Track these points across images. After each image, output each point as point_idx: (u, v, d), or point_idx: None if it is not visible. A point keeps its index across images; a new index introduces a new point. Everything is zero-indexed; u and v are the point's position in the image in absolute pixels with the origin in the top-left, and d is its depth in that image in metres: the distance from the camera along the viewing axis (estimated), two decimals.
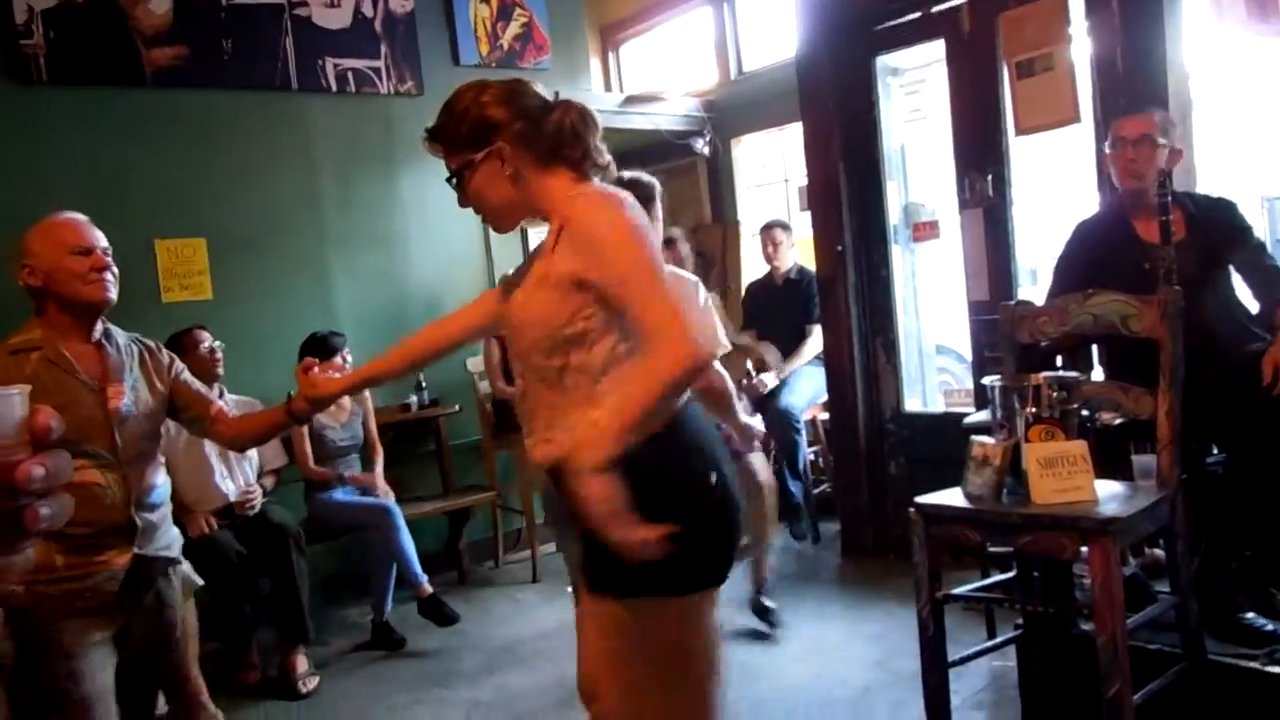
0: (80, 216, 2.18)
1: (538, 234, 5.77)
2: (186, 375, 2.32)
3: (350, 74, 4.82)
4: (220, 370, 3.77)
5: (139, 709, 2.25)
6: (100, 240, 2.15)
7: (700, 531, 1.53)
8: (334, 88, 4.78)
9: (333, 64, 4.74)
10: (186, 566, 3.45)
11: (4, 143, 3.98)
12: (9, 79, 4.00)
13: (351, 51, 4.82)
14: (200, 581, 3.45)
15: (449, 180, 1.69)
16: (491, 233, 5.62)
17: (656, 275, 1.49)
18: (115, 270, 2.16)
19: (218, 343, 3.81)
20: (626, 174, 3.03)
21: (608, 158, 1.71)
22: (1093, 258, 2.69)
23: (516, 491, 4.90)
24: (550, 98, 1.72)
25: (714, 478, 1.56)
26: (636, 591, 1.53)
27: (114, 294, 2.14)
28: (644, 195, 2.79)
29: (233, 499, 3.75)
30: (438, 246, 5.02)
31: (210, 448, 3.74)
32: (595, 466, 1.40)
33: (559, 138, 1.63)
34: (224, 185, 4.44)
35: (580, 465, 1.41)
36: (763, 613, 3.60)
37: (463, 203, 1.70)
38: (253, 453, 3.87)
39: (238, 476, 3.83)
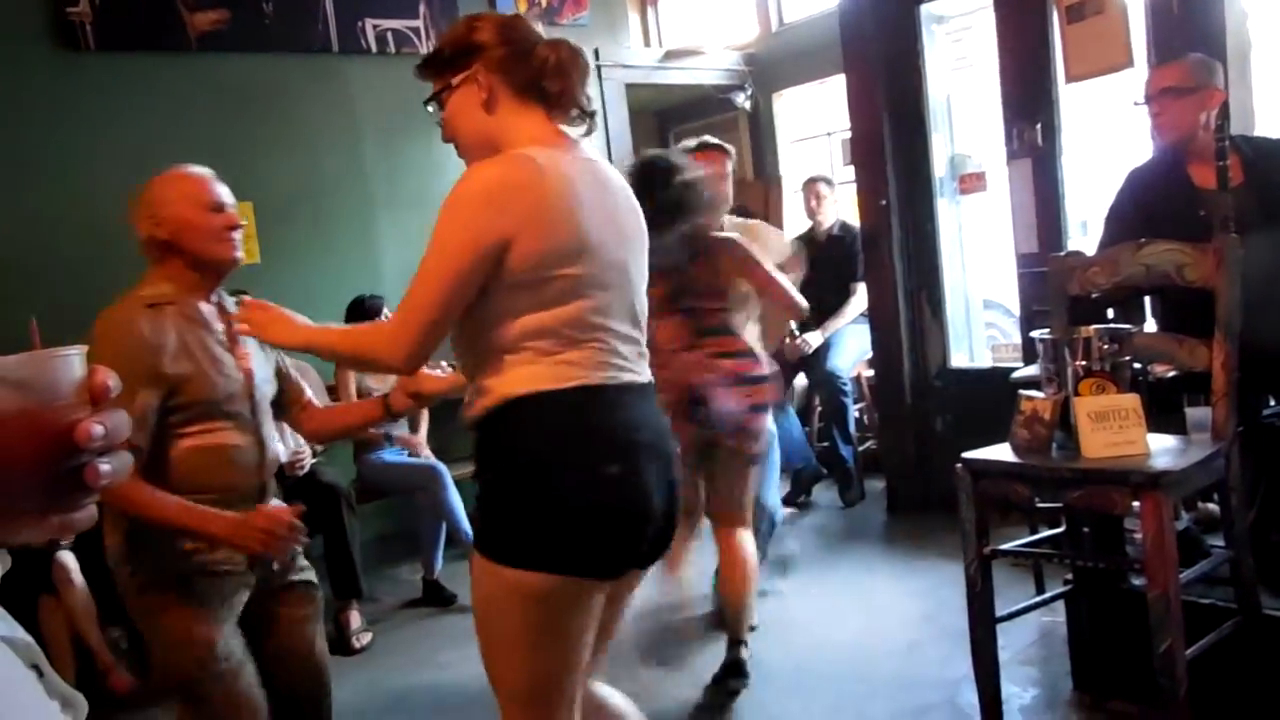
0: (208, 171, 2.10)
1: None
2: (287, 361, 2.24)
3: (390, 35, 4.81)
4: None
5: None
6: (230, 197, 2.07)
7: (574, 518, 1.50)
8: (374, 49, 4.79)
9: (372, 25, 4.74)
10: None
11: (53, 109, 4.04)
12: (57, 46, 4.06)
13: (390, 12, 4.82)
14: None
15: (426, 104, 1.68)
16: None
17: (427, 283, 1.49)
18: (243, 228, 2.09)
19: None
20: (650, 152, 2.98)
21: (592, 105, 1.66)
22: (1145, 206, 2.63)
23: None
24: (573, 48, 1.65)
25: (613, 469, 1.52)
26: (497, 555, 1.53)
27: (242, 254, 2.08)
28: (653, 179, 2.65)
29: (283, 460, 3.83)
30: None
31: None
32: (272, 339, 1.74)
33: (541, 70, 1.58)
34: (269, 149, 4.48)
35: (260, 325, 1.72)
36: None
37: (443, 134, 1.68)
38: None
39: (287, 439, 3.90)
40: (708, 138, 3.34)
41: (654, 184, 2.61)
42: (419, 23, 4.90)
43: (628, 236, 1.62)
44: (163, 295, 1.99)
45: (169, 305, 1.98)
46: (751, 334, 3.08)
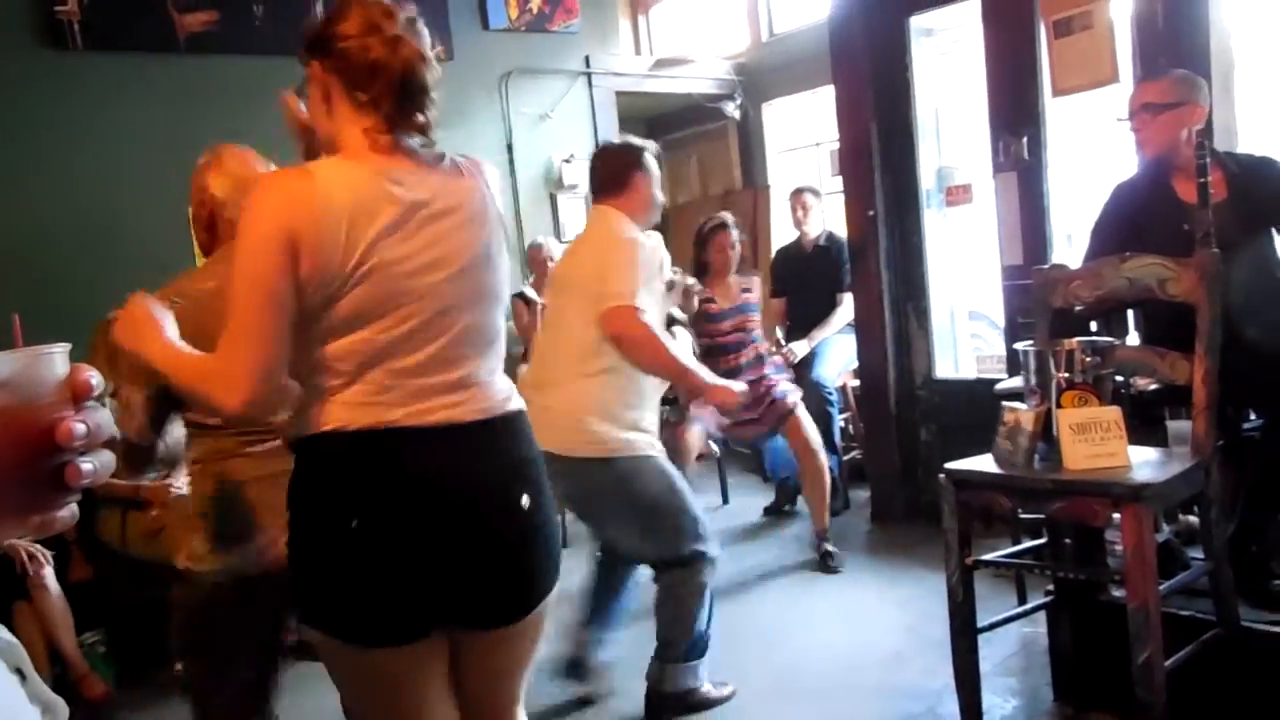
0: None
1: (565, 201, 5.72)
2: None
3: None
4: None
5: None
6: None
7: (331, 575, 1.41)
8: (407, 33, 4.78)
9: None
10: None
11: (40, 108, 4.03)
12: (45, 45, 4.05)
13: None
14: None
15: (298, 93, 1.53)
16: (523, 200, 5.67)
17: (243, 311, 1.33)
18: None
19: None
20: (624, 139, 2.98)
21: (426, 117, 1.46)
22: (1131, 220, 2.65)
23: None
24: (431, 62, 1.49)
25: (354, 523, 1.37)
26: (302, 615, 1.48)
27: None
28: (627, 161, 2.72)
29: None
30: None
31: None
32: (123, 345, 1.48)
33: (359, 70, 1.40)
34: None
35: (118, 330, 1.49)
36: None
37: None
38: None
39: None
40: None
41: None
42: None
43: (447, 258, 1.42)
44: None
45: None
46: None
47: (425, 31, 1.48)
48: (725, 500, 5.02)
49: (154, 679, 3.39)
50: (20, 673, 0.64)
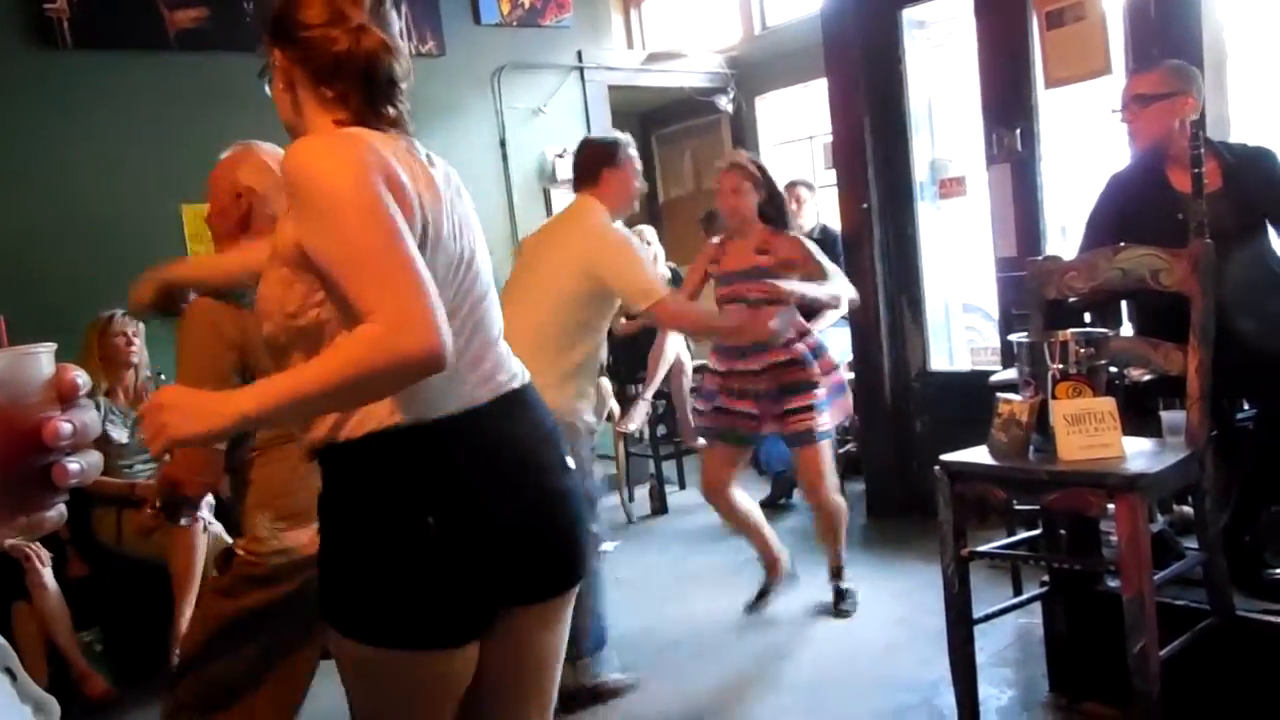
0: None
1: (559, 196, 5.71)
2: None
3: None
4: None
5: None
6: None
7: (397, 581, 1.28)
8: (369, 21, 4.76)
9: None
10: (218, 527, 3.52)
11: (30, 107, 4.00)
12: (34, 44, 4.02)
13: None
14: (231, 540, 3.52)
15: (260, 76, 1.43)
16: (516, 195, 5.66)
17: (384, 256, 1.13)
18: None
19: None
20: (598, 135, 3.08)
21: (399, 109, 1.35)
22: (1125, 210, 2.65)
23: None
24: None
25: (432, 522, 1.26)
26: (348, 631, 1.33)
27: None
28: (598, 156, 2.84)
29: None
30: None
31: None
32: (189, 437, 1.12)
33: (324, 63, 1.31)
34: None
35: (171, 427, 1.11)
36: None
37: None
38: None
39: None
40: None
41: None
42: (400, 23, 4.87)
43: (472, 229, 1.37)
44: None
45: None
46: None
47: (394, 18, 1.40)
48: None
49: (151, 676, 3.38)
50: (10, 672, 0.64)
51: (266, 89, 1.41)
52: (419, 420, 1.26)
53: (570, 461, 1.44)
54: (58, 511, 0.62)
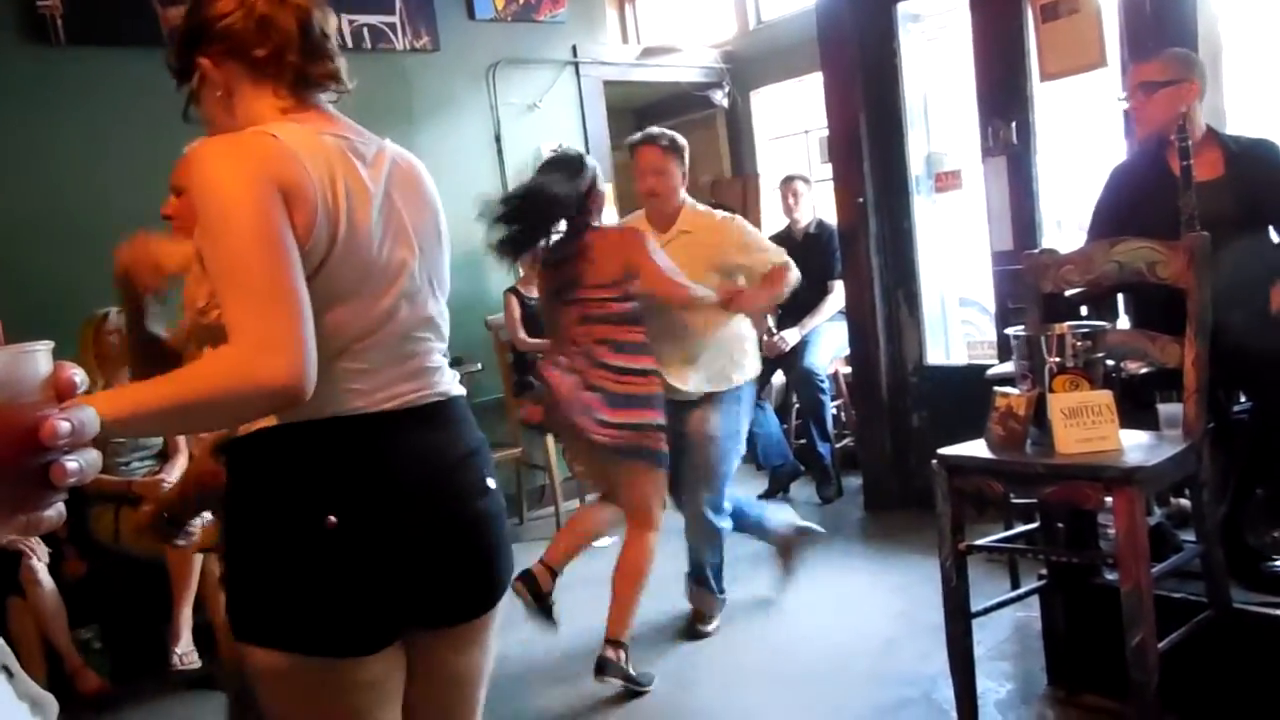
0: None
1: None
2: None
3: (365, 30, 4.78)
4: None
5: None
6: None
7: (293, 580, 1.24)
8: (349, 44, 4.74)
9: (347, 20, 4.70)
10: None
11: (24, 105, 3.98)
12: (27, 40, 4.00)
13: (366, 7, 4.77)
14: None
15: (184, 117, 1.37)
16: (438, 202, 5.58)
17: (261, 279, 1.10)
18: None
19: None
20: (560, 149, 3.12)
21: (333, 64, 1.31)
22: (1128, 201, 2.66)
23: (539, 449, 4.93)
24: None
25: (333, 520, 1.21)
26: (242, 633, 1.28)
27: None
28: (571, 168, 2.92)
29: None
30: (458, 204, 4.89)
31: None
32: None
33: (252, 32, 1.26)
34: None
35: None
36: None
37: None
38: None
39: None
40: (646, 132, 3.50)
41: (539, 189, 2.88)
42: (395, 18, 4.87)
43: (411, 229, 1.31)
44: None
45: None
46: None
47: None
48: None
49: (149, 673, 3.39)
50: (6, 669, 0.63)
51: (194, 118, 1.36)
52: (317, 416, 1.21)
53: (491, 483, 1.38)
54: (56, 510, 0.62)
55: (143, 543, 3.33)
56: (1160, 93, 2.61)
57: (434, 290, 1.35)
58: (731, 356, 3.25)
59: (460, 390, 1.40)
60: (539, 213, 2.88)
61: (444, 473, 1.33)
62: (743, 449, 3.38)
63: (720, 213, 3.42)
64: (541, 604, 2.98)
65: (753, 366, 3.33)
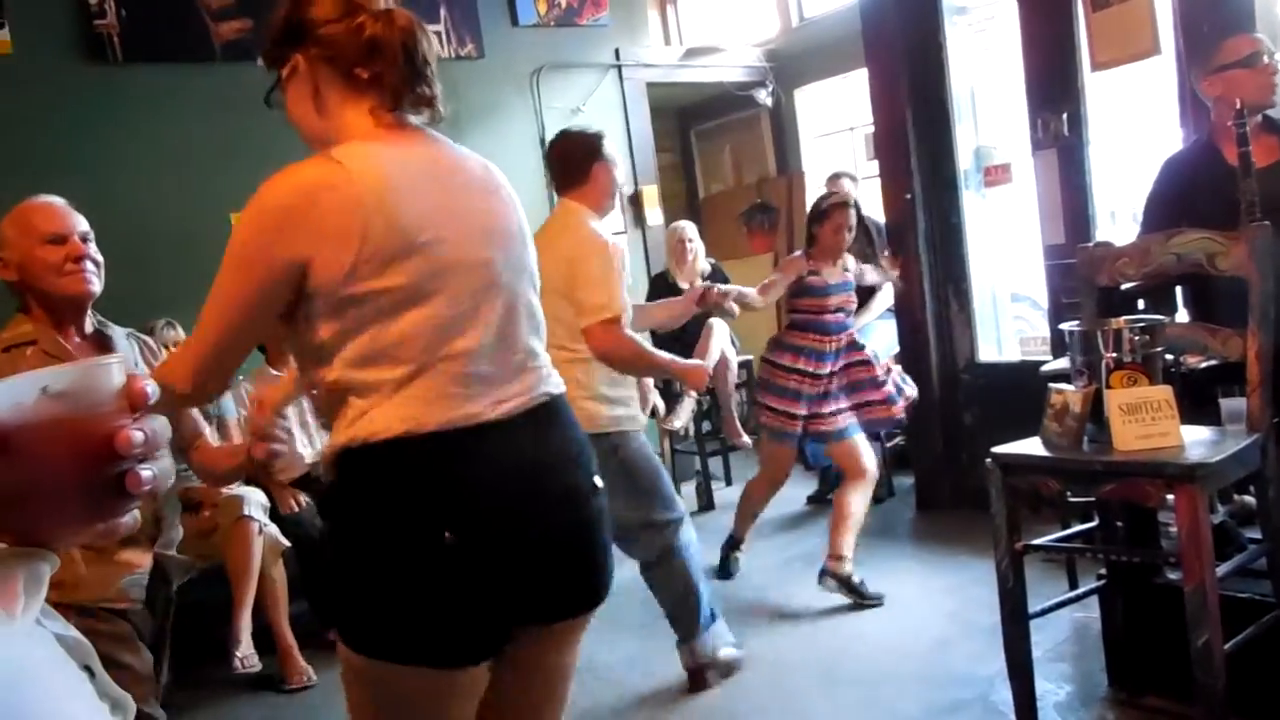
0: (56, 200, 1.97)
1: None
2: None
3: None
4: None
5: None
6: (78, 225, 1.94)
7: (408, 595, 1.25)
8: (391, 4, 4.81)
9: None
10: (274, 529, 3.58)
11: (83, 123, 4.10)
12: (85, 59, 4.12)
13: None
14: (287, 543, 3.59)
15: (266, 101, 1.43)
16: (555, 196, 5.67)
17: (213, 305, 1.31)
18: (98, 259, 1.95)
19: None
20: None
21: (433, 89, 1.36)
22: (1183, 192, 2.60)
23: None
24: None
25: (449, 536, 1.24)
26: (351, 643, 1.31)
27: (96, 286, 1.93)
28: (587, 150, 2.78)
29: (308, 462, 3.87)
30: None
31: (292, 415, 3.84)
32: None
33: (355, 50, 1.31)
34: (295, 157, 4.51)
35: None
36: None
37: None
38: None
39: (317, 442, 3.94)
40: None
41: None
42: (440, 26, 4.93)
43: (491, 230, 1.36)
44: (22, 336, 1.90)
45: (30, 346, 1.87)
46: None
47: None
48: None
49: (210, 677, 3.46)
50: (89, 670, 0.65)
51: (277, 103, 1.42)
52: (427, 429, 1.26)
53: (599, 481, 1.41)
54: (131, 517, 0.64)
55: (202, 546, 3.40)
56: (1258, 66, 2.58)
57: (529, 287, 1.40)
58: None
59: (562, 388, 1.42)
60: None
61: (554, 479, 1.35)
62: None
63: None
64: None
65: None
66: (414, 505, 1.26)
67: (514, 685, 1.40)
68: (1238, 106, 2.42)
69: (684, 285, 4.84)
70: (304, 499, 3.74)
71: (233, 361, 1.35)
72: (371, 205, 1.24)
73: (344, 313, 1.26)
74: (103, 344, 1.98)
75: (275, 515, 3.60)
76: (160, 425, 0.62)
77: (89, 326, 1.99)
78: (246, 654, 3.38)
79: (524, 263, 1.40)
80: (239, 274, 1.29)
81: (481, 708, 1.38)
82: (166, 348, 3.66)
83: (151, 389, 0.64)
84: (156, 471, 0.62)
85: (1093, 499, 2.45)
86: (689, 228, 5.11)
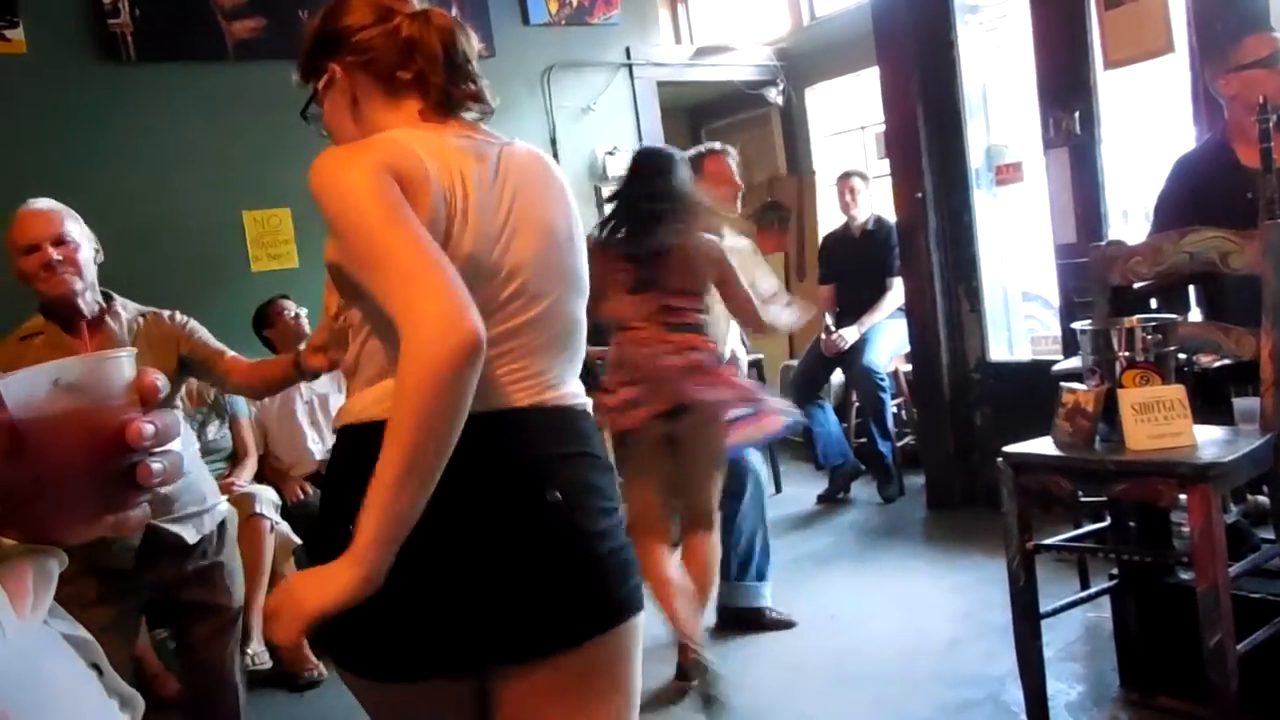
0: (36, 206, 2.15)
1: (610, 193, 5.74)
2: (200, 334, 2.31)
3: None
4: (307, 334, 3.88)
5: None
6: (52, 229, 2.11)
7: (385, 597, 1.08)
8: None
9: None
10: (285, 527, 3.60)
11: (97, 121, 4.12)
12: (99, 59, 4.14)
13: None
14: (298, 541, 3.60)
15: (303, 115, 1.40)
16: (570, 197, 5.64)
17: (386, 249, 1.07)
18: (75, 259, 2.12)
19: (302, 309, 3.92)
20: (651, 146, 3.08)
21: (479, 84, 1.31)
22: (1194, 191, 2.59)
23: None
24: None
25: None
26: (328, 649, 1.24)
27: (75, 285, 2.11)
28: (656, 167, 2.83)
29: (318, 458, 3.88)
30: None
31: (302, 414, 3.86)
32: (322, 610, 1.04)
33: (394, 53, 1.27)
34: (306, 155, 4.50)
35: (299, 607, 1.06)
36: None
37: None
38: None
39: (327, 439, 3.95)
40: (706, 146, 3.46)
41: (654, 174, 2.80)
42: None
43: (535, 228, 1.24)
44: (34, 328, 2.15)
45: (37, 337, 2.13)
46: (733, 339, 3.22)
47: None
48: (778, 489, 5.00)
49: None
50: (98, 667, 0.66)
51: (315, 120, 1.38)
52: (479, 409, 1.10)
53: (558, 495, 1.20)
54: (142, 510, 0.65)
55: None
56: (1277, 67, 2.56)
57: (570, 289, 1.29)
58: None
59: (584, 401, 1.30)
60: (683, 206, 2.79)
61: (555, 482, 1.20)
62: None
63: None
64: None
65: None
66: (356, 484, 1.07)
67: None
68: (1262, 103, 2.40)
69: None
70: (310, 489, 3.76)
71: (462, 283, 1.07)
72: (434, 172, 1.16)
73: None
74: (108, 328, 2.19)
75: (286, 513, 3.62)
76: (170, 419, 0.63)
77: (90, 313, 2.19)
78: (257, 651, 3.39)
79: (566, 269, 1.28)
80: (387, 193, 1.11)
81: None
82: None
83: (162, 382, 0.64)
84: (166, 464, 0.62)
85: (1104, 498, 2.44)
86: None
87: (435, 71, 1.27)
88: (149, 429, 0.61)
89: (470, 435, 1.07)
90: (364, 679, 1.19)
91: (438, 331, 1.01)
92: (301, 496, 3.73)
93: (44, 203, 2.18)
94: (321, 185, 1.15)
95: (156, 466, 0.62)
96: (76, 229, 2.19)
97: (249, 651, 3.39)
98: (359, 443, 1.16)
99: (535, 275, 1.23)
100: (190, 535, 2.23)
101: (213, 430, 3.68)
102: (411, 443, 1.02)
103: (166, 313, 2.34)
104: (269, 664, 3.40)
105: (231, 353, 2.32)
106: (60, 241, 2.12)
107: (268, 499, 3.51)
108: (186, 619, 2.32)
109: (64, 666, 0.62)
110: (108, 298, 2.26)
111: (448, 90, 1.28)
